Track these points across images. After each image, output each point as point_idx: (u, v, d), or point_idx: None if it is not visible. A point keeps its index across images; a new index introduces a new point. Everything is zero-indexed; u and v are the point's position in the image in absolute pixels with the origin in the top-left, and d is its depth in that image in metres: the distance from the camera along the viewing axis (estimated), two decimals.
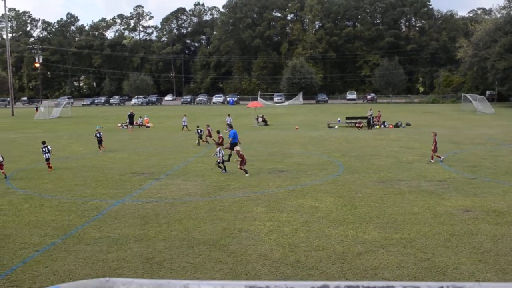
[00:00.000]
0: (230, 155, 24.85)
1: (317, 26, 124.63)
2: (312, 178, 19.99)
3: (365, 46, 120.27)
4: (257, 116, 48.86)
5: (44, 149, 23.33)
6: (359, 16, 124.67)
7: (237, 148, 21.69)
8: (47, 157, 23.23)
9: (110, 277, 1.52)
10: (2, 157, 21.94)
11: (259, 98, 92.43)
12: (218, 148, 22.23)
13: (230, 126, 26.69)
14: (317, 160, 24.70)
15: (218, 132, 27.90)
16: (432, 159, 23.62)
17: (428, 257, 10.81)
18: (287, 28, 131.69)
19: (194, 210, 15.19)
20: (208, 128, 32.99)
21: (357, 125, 42.84)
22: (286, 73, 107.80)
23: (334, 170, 21.77)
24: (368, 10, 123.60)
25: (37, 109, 72.83)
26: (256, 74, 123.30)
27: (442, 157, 23.55)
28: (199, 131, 32.34)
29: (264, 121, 47.50)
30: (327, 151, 28.18)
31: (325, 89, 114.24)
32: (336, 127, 43.95)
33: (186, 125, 42.62)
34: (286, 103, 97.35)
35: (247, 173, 20.74)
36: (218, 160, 21.75)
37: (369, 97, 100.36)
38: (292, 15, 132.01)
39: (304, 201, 16.00)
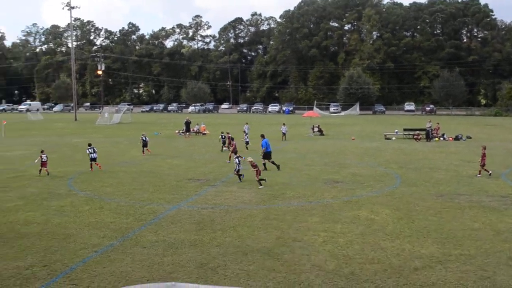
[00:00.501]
0: (265, 164, 24.92)
1: (375, 36, 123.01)
2: (368, 190, 19.69)
3: (424, 57, 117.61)
4: (313, 125, 48.64)
5: (89, 150, 25.20)
6: (418, 26, 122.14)
7: (249, 159, 21.27)
8: (93, 157, 25.06)
9: (176, 282, 1.54)
10: (47, 157, 23.45)
11: (315, 108, 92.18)
12: (235, 156, 22.23)
13: (262, 136, 26.38)
14: (374, 172, 24.32)
15: (232, 139, 28.26)
16: (479, 173, 22.89)
17: (489, 275, 10.42)
18: (344, 38, 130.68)
19: (249, 217, 15.25)
20: (229, 135, 32.98)
21: (415, 137, 41.92)
22: (342, 83, 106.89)
23: (391, 182, 21.36)
24: (427, 20, 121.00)
25: (102, 114, 75.60)
26: (312, 84, 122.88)
27: (490, 172, 22.70)
28: (223, 136, 33.28)
29: (320, 131, 47.22)
30: (384, 162, 27.70)
31: (382, 99, 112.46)
32: (394, 138, 43.15)
33: (284, 134, 42.05)
34: (343, 113, 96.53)
35: (261, 185, 20.32)
36: (236, 168, 21.63)
37: (428, 108, 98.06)
38: (349, 25, 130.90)
39: (360, 213, 15.78)
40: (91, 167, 24.92)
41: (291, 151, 33.48)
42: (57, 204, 17.29)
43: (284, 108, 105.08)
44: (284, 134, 41.53)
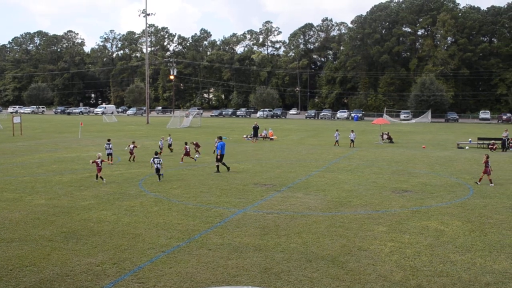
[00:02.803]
0: (218, 166, 26.04)
1: (449, 41, 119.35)
2: (438, 200, 19.07)
3: (502, 63, 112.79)
4: (382, 133, 47.74)
5: (106, 146, 28.63)
6: (497, 32, 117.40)
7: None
8: (109, 152, 28.30)
9: (252, 286, 1.55)
10: (102, 161, 22.90)
11: (384, 115, 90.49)
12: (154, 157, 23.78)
13: (220, 138, 27.17)
14: (445, 182, 23.53)
15: (185, 143, 30.90)
16: (479, 181, 22.75)
17: None
18: (417, 43, 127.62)
19: (314, 224, 15.15)
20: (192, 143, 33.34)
21: (490, 146, 40.24)
22: (414, 90, 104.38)
23: (462, 193, 20.59)
24: (507, 25, 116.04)
25: (186, 115, 78.36)
26: (382, 90, 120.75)
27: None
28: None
29: (389, 138, 46.27)
30: (455, 172, 26.76)
31: (455, 107, 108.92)
32: (467, 147, 41.60)
33: (338, 140, 41.87)
34: (413, 120, 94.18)
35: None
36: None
37: (504, 117, 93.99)
38: (423, 30, 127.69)
39: (429, 224, 15.30)
40: (110, 160, 28.02)
41: (359, 158, 33.00)
42: (127, 204, 17.88)
43: (353, 115, 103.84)
44: (352, 141, 41.05)
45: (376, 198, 19.31)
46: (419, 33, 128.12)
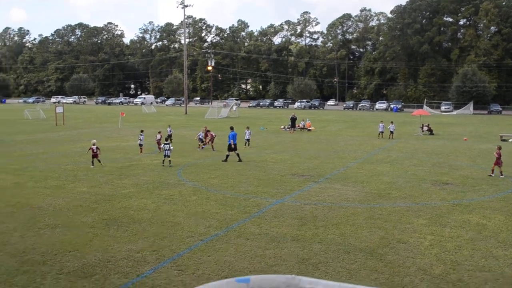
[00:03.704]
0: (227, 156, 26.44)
1: (492, 31, 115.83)
2: (480, 194, 18.66)
3: None
4: (422, 124, 46.88)
5: (140, 137, 29.26)
6: None
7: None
8: (140, 143, 29.09)
9: (296, 275, 1.56)
10: (97, 148, 24.32)
11: (424, 106, 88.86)
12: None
13: (231, 128, 27.59)
14: (487, 175, 22.97)
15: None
16: (492, 173, 22.44)
17: None
18: (459, 33, 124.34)
19: (352, 216, 15.05)
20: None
21: None
22: (455, 81, 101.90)
23: (506, 187, 20.08)
24: None
25: (224, 106, 79.43)
26: (422, 81, 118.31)
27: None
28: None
29: (430, 130, 45.42)
30: None
31: (498, 99, 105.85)
32: (511, 140, 40.50)
33: (382, 132, 41.16)
34: (454, 112, 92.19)
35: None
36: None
37: None
38: (464, 20, 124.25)
39: (470, 217, 15.00)
40: (141, 151, 29.07)
41: (398, 150, 32.54)
42: (167, 193, 18.14)
43: (392, 106, 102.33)
44: (391, 132, 40.48)
45: (416, 190, 19.03)
46: (461, 22, 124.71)
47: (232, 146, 26.50)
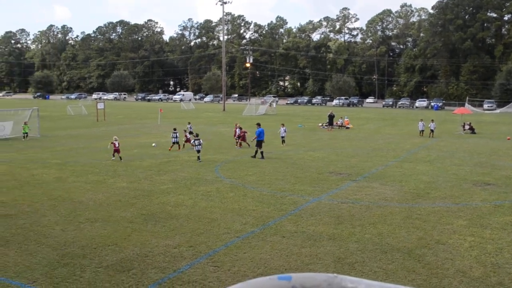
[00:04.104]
0: (256, 151, 26.56)
1: None
2: None
3: None
4: (464, 123, 45.88)
5: (173, 134, 29.62)
6: None
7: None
8: (174, 141, 29.37)
9: (338, 274, 1.55)
10: (119, 143, 25.49)
11: (466, 104, 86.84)
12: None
13: (258, 125, 27.83)
14: None
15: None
16: None
17: None
18: (503, 29, 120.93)
19: (390, 215, 14.85)
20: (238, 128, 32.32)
21: None
22: (499, 78, 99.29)
23: None
24: None
25: (262, 103, 79.73)
26: (464, 79, 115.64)
27: None
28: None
29: (471, 128, 44.41)
30: None
31: None
32: None
33: (423, 130, 40.49)
34: (497, 110, 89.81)
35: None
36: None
37: None
38: (509, 15, 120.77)
39: None
40: (177, 147, 29.37)
41: (439, 148, 31.93)
42: (204, 189, 18.29)
43: (432, 104, 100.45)
44: (432, 130, 39.74)
45: (456, 190, 18.63)
46: (506, 18, 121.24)
47: (252, 140, 26.94)
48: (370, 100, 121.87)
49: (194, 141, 25.69)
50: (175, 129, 30.45)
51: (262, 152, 26.46)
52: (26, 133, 35.15)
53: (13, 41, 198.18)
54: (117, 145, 25.26)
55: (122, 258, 11.10)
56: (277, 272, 10.26)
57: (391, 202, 16.61)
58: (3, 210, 15.18)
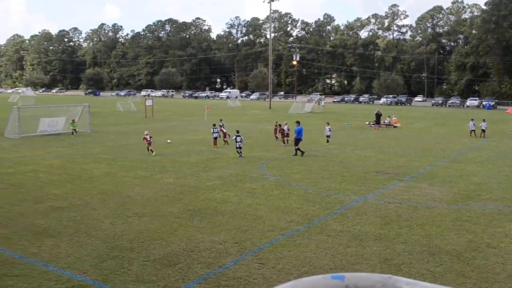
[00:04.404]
0: (297, 149, 26.49)
1: None
2: None
3: None
4: None
5: (213, 130, 29.83)
6: None
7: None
8: (215, 137, 29.63)
9: (393, 275, 1.53)
10: (150, 137, 26.38)
11: None
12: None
13: (298, 123, 27.36)
14: None
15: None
16: None
17: None
18: None
19: (438, 217, 14.53)
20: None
21: None
22: None
23: None
24: None
25: (308, 100, 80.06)
26: None
27: None
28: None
29: None
30: None
31: None
32: None
33: (473, 130, 39.19)
34: None
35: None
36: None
37: None
38: None
39: None
40: (219, 142, 29.62)
41: (490, 149, 31.00)
42: (249, 187, 18.36)
43: (484, 103, 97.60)
44: (483, 130, 38.60)
45: (509, 192, 18.04)
46: None
47: (293, 140, 26.72)
48: (418, 98, 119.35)
49: (235, 138, 25.78)
50: (214, 125, 30.76)
51: (298, 149, 26.46)
52: (75, 129, 36.12)
53: (66, 39, 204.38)
54: (148, 139, 26.18)
55: (169, 253, 11.28)
56: (321, 271, 10.21)
57: (440, 203, 16.24)
58: (55, 202, 15.69)
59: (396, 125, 47.68)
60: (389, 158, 26.46)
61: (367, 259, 10.98)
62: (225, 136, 30.69)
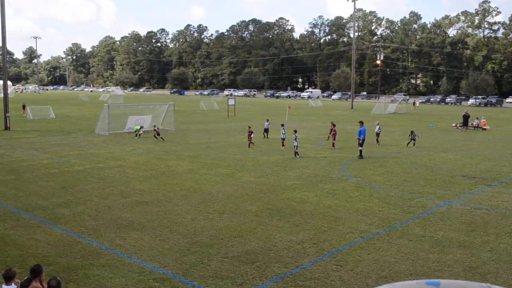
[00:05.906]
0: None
1: None
2: None
3: None
4: None
5: (282, 131, 28.95)
6: None
7: None
8: (283, 137, 28.78)
9: (491, 284, 1.48)
10: (252, 132, 28.85)
11: None
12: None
13: (361, 123, 26.68)
14: None
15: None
16: None
17: None
18: None
19: None
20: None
21: None
22: None
23: None
24: None
25: (392, 101, 78.93)
26: None
27: None
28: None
29: None
30: None
31: None
32: None
33: None
34: None
35: None
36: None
37: None
38: None
39: None
40: (283, 145, 28.79)
41: None
42: (329, 187, 18.23)
43: None
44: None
45: None
46: None
47: (360, 141, 25.84)
48: (510, 100, 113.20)
49: (295, 138, 25.58)
50: (282, 125, 30.17)
51: (360, 151, 25.78)
52: (138, 132, 35.34)
53: (154, 40, 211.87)
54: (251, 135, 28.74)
55: (247, 250, 11.43)
56: (401, 276, 9.96)
57: None
58: (141, 197, 16.35)
59: (485, 127, 45.52)
60: (477, 162, 25.32)
61: (450, 266, 10.59)
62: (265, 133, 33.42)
